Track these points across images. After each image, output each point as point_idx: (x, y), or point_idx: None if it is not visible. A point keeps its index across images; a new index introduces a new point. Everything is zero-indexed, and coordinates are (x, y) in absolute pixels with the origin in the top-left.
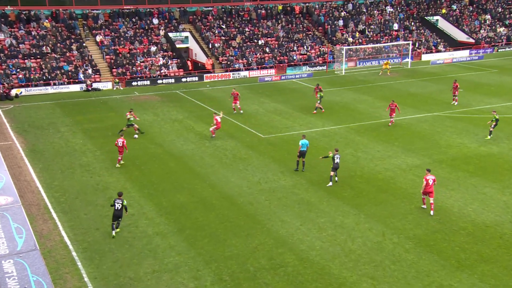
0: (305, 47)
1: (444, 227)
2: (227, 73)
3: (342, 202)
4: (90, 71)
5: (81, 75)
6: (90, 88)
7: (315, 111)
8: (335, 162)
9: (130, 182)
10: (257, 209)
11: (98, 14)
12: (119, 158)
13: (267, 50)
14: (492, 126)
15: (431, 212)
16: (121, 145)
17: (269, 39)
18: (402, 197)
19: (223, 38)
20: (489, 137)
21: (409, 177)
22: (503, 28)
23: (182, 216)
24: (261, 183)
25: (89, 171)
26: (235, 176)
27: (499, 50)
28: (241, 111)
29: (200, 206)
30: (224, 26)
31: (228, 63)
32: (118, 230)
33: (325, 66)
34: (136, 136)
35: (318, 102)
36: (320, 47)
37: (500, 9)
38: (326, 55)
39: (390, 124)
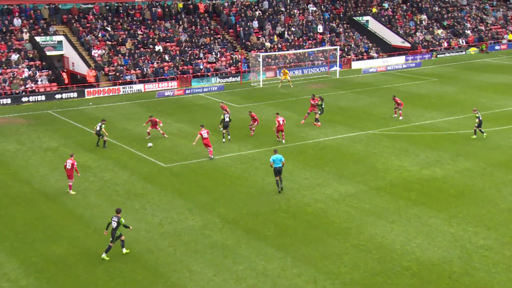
0: (213, 53)
1: (386, 268)
2: (116, 87)
3: (264, 243)
4: None
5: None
6: None
7: (318, 123)
8: (225, 120)
9: None
10: (159, 258)
11: None
12: (70, 183)
13: (167, 58)
14: (476, 125)
15: (283, 141)
16: (70, 167)
17: (168, 44)
18: (335, 233)
19: (109, 43)
20: (474, 136)
21: (342, 209)
22: (441, 30)
23: (59, 273)
24: (163, 224)
25: None
26: (130, 218)
27: (438, 56)
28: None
29: (83, 259)
30: (109, 28)
31: (117, 74)
32: (126, 251)
33: (239, 77)
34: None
35: (319, 113)
36: (231, 53)
37: (437, 8)
38: (239, 63)
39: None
